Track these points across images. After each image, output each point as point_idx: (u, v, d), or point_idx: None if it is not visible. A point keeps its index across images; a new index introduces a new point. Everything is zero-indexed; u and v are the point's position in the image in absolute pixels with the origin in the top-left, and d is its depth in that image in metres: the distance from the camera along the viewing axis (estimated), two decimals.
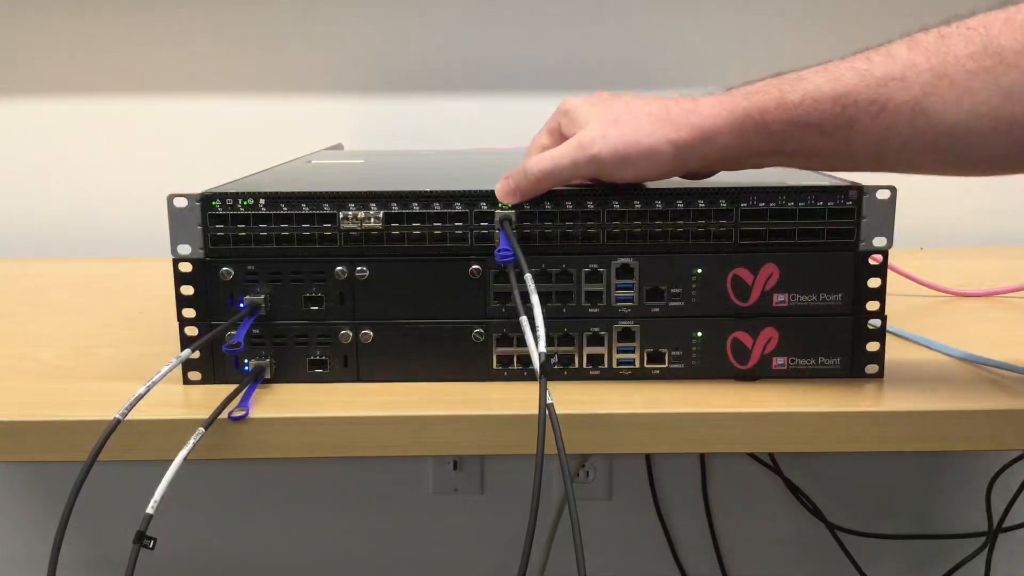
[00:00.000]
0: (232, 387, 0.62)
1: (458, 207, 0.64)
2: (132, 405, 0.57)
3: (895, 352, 0.71)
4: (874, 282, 0.65)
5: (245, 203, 0.64)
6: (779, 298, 0.65)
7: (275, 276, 0.65)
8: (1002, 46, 0.54)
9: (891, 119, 0.56)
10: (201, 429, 0.58)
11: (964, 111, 0.54)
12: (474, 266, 0.65)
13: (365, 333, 0.66)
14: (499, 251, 0.62)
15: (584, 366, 0.66)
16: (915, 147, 0.56)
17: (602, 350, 0.66)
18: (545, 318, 0.58)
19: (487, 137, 1.20)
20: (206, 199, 0.64)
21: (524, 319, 0.58)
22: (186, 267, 0.65)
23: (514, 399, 0.63)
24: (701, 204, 0.64)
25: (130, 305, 0.91)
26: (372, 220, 0.64)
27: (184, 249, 0.64)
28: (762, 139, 0.59)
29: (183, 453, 0.56)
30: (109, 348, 0.77)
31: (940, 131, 0.55)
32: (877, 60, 0.57)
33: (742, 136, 0.59)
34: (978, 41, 0.54)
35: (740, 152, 0.60)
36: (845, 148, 0.58)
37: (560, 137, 0.64)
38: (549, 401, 0.53)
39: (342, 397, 0.64)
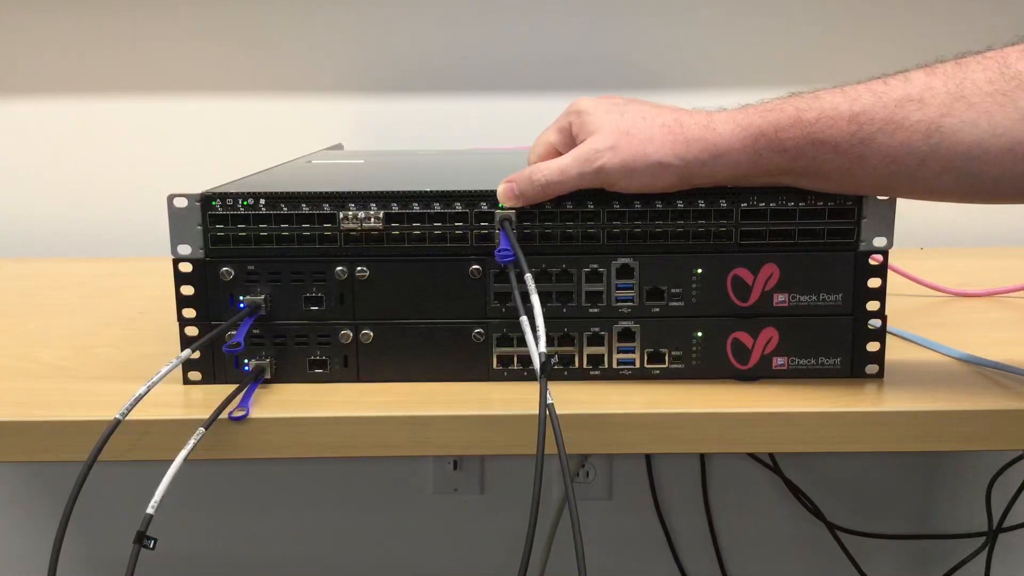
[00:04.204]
0: (232, 387, 0.62)
1: (458, 207, 0.64)
2: (132, 405, 0.57)
3: (895, 352, 0.71)
4: (874, 282, 0.65)
5: (245, 203, 0.64)
6: (779, 298, 0.65)
7: (275, 276, 0.65)
8: (1019, 71, 0.54)
9: (907, 137, 0.56)
10: (201, 429, 0.58)
11: (981, 131, 0.54)
12: (474, 266, 0.65)
13: (365, 333, 0.66)
14: (499, 251, 0.62)
15: (584, 366, 0.66)
16: (930, 168, 0.56)
17: (602, 350, 0.66)
18: (545, 318, 0.58)
19: (487, 137, 1.20)
20: (206, 199, 0.64)
21: (524, 319, 0.58)
22: (186, 267, 0.65)
23: (514, 399, 0.63)
24: (701, 204, 0.64)
25: (130, 305, 0.91)
26: (372, 220, 0.64)
27: (184, 249, 0.64)
28: (774, 157, 0.59)
29: (183, 453, 0.56)
30: (109, 348, 0.77)
31: (956, 151, 0.55)
32: (894, 83, 0.57)
33: (754, 153, 0.59)
34: (995, 68, 0.55)
35: (750, 170, 0.60)
36: (858, 166, 0.58)
37: (569, 137, 0.64)
38: (549, 401, 0.53)
39: (342, 397, 0.64)
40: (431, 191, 0.64)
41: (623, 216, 0.64)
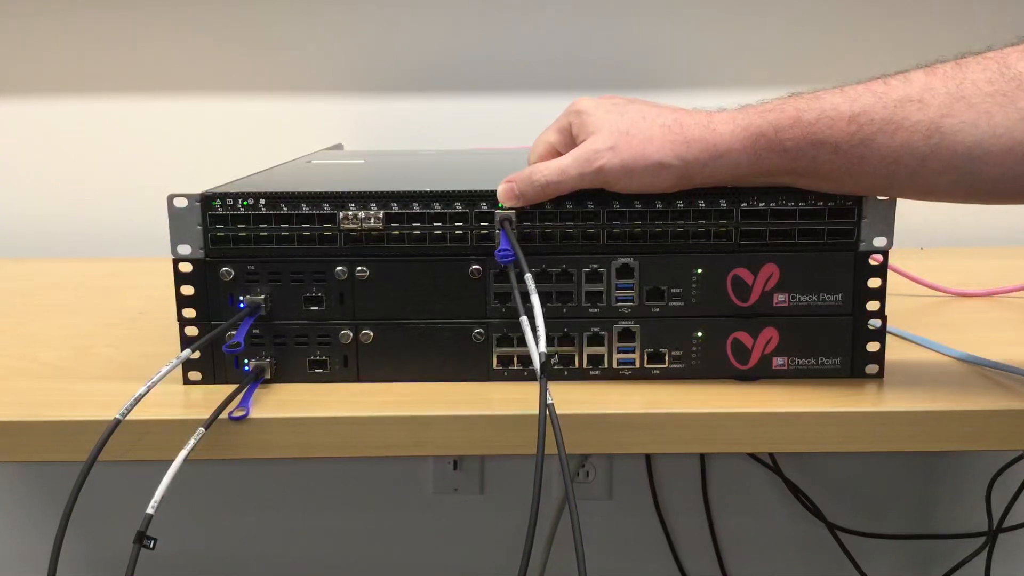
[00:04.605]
0: (232, 387, 0.62)
1: (458, 207, 0.64)
2: (132, 405, 0.57)
3: (895, 352, 0.71)
4: (874, 282, 0.65)
5: (245, 203, 0.64)
6: (779, 298, 0.65)
7: (275, 276, 0.65)
8: (1020, 72, 0.54)
9: (907, 138, 0.56)
10: (201, 429, 0.58)
11: (981, 132, 0.54)
12: (474, 266, 0.65)
13: (365, 333, 0.66)
14: (499, 251, 0.62)
15: (584, 366, 0.66)
16: (930, 167, 0.56)
17: (602, 350, 0.66)
18: (545, 318, 0.58)
19: (487, 137, 1.20)
20: (206, 199, 0.64)
21: (524, 319, 0.58)
22: (186, 267, 0.65)
23: (514, 399, 0.63)
24: (701, 204, 0.64)
25: (130, 305, 0.91)
26: (372, 220, 0.64)
27: (184, 249, 0.64)
28: (774, 157, 0.59)
29: (183, 453, 0.56)
30: (109, 348, 0.77)
31: (956, 152, 0.55)
32: (894, 83, 0.57)
33: (754, 153, 0.59)
34: (995, 68, 0.55)
35: (750, 170, 0.60)
36: (858, 167, 0.58)
37: (569, 137, 0.64)
38: (549, 401, 0.53)
39: (342, 397, 0.64)
40: (431, 191, 0.64)
41: (623, 216, 0.64)
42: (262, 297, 0.65)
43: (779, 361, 0.66)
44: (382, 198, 0.64)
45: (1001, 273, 0.99)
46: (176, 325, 0.65)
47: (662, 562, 1.29)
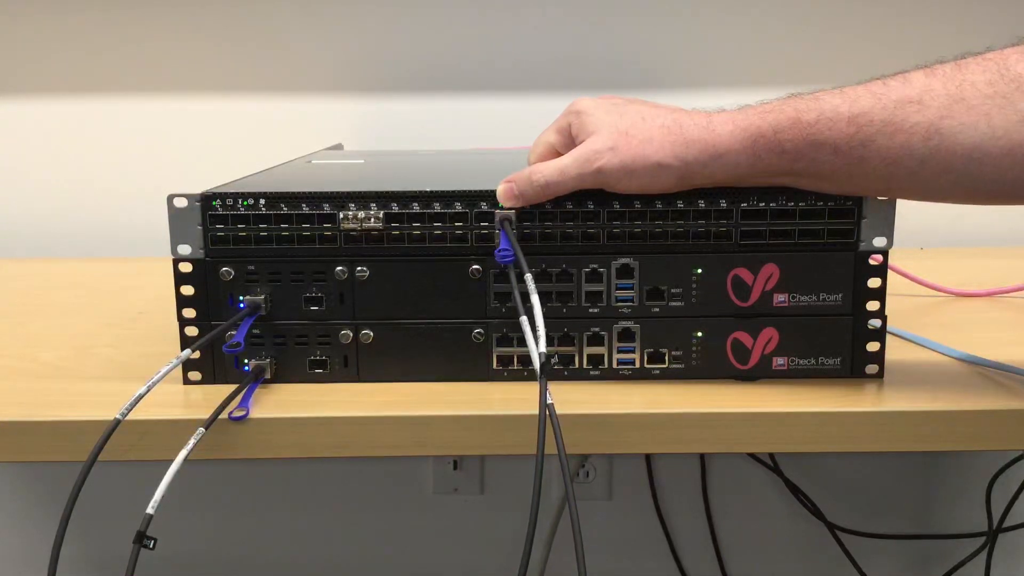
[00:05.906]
0: (232, 387, 0.62)
1: (458, 207, 0.64)
2: (132, 405, 0.57)
3: (895, 352, 0.71)
4: (874, 282, 0.65)
5: (245, 203, 0.64)
6: (779, 298, 0.65)
7: (275, 276, 0.65)
8: (1019, 73, 0.54)
9: (906, 139, 0.56)
10: (201, 429, 0.58)
11: (980, 134, 0.54)
12: (474, 266, 0.65)
13: (365, 333, 0.66)
14: (499, 251, 0.62)
15: (584, 366, 0.66)
16: (929, 169, 0.56)
17: (602, 350, 0.66)
18: (545, 318, 0.58)
19: (487, 137, 1.20)
20: (206, 199, 0.64)
21: (524, 319, 0.58)
22: (186, 267, 0.65)
23: (514, 399, 0.63)
24: (701, 204, 0.64)
25: (130, 305, 0.91)
26: (372, 220, 0.64)
27: (184, 249, 0.64)
28: (773, 158, 0.59)
29: (183, 453, 0.56)
30: (109, 348, 0.77)
31: (955, 153, 0.55)
32: (894, 84, 0.57)
33: (753, 154, 0.59)
34: (995, 69, 0.55)
35: (749, 170, 0.60)
36: (858, 168, 0.58)
37: (568, 137, 0.64)
38: (549, 401, 0.53)
39: (342, 397, 0.64)
40: (431, 191, 0.64)
41: (623, 216, 0.64)
42: (262, 297, 0.65)
43: (779, 361, 0.66)
44: (382, 198, 0.64)
45: (1001, 273, 0.99)
46: (176, 325, 0.65)
47: (662, 562, 1.29)
